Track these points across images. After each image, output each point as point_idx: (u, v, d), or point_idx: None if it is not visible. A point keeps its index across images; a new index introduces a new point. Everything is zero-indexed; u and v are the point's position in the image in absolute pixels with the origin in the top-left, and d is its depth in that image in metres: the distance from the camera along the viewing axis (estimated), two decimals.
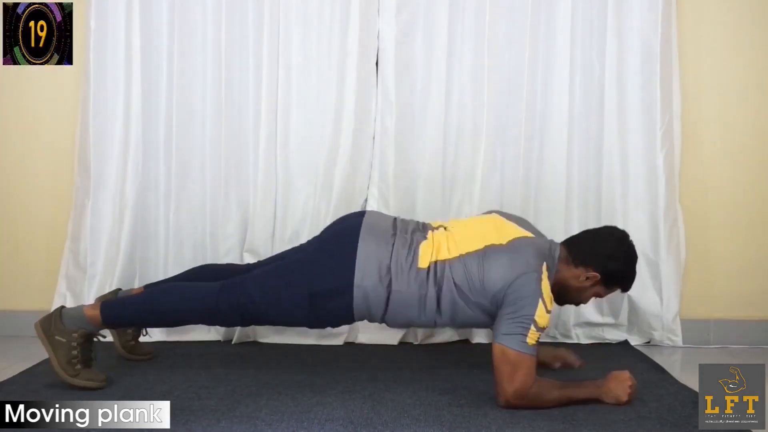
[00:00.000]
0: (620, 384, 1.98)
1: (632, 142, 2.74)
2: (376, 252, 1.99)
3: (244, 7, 2.67)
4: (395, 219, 2.17)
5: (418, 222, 2.19)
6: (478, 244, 2.02)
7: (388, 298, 1.99)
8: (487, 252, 1.99)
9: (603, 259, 2.05)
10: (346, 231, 2.09)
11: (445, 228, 2.12)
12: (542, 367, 2.28)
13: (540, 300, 1.90)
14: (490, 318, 2.00)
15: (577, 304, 2.19)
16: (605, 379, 2.02)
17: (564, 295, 2.12)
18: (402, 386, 2.11)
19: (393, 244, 2.02)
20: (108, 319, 2.08)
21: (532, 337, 1.87)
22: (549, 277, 1.97)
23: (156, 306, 2.10)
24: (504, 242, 2.02)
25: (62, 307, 2.11)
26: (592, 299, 2.19)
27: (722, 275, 2.84)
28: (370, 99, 2.70)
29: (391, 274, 1.98)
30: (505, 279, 1.93)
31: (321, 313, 2.03)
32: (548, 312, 1.92)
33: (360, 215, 2.16)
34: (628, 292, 2.70)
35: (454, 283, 1.98)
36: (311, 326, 2.12)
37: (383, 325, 2.67)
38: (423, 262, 1.99)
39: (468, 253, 2.00)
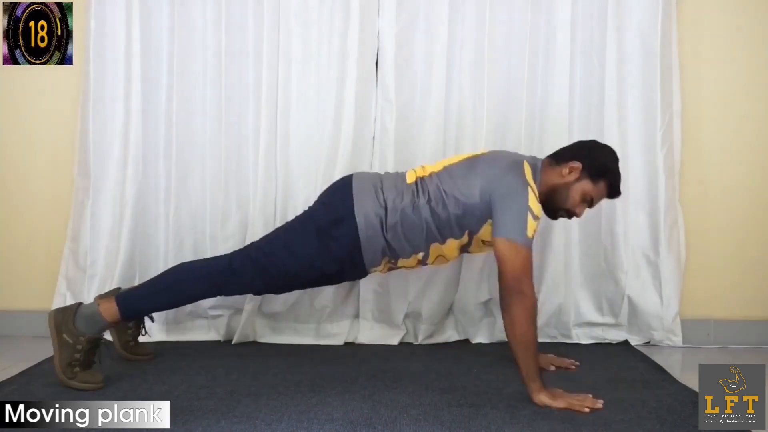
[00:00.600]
0: (571, 397, 1.93)
1: (632, 142, 2.73)
2: (370, 181, 2.16)
3: (244, 7, 2.67)
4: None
5: None
6: (458, 159, 2.20)
7: (388, 218, 2.08)
8: (469, 160, 2.16)
9: (584, 150, 2.16)
10: (338, 181, 2.26)
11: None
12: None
13: (529, 188, 2.00)
14: (481, 218, 2.08)
15: (569, 214, 2.17)
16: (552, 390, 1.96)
17: (552, 200, 2.14)
18: (402, 386, 2.11)
19: (383, 176, 2.21)
20: (126, 310, 2.12)
21: (530, 227, 1.95)
22: (533, 176, 2.06)
23: (170, 284, 2.16)
24: (485, 153, 2.23)
25: (80, 304, 2.13)
26: (586, 212, 2.20)
27: (722, 275, 2.83)
28: (370, 99, 2.70)
29: (385, 196, 2.10)
30: (488, 175, 2.06)
31: (331, 245, 2.10)
32: (539, 202, 2.03)
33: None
34: (628, 293, 2.73)
35: (442, 189, 2.09)
36: (327, 267, 2.13)
37: (383, 324, 2.71)
38: (409, 179, 2.16)
39: (450, 164, 2.17)
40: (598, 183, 2.12)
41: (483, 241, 2.17)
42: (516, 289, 1.93)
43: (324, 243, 2.09)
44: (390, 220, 2.08)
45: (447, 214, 2.09)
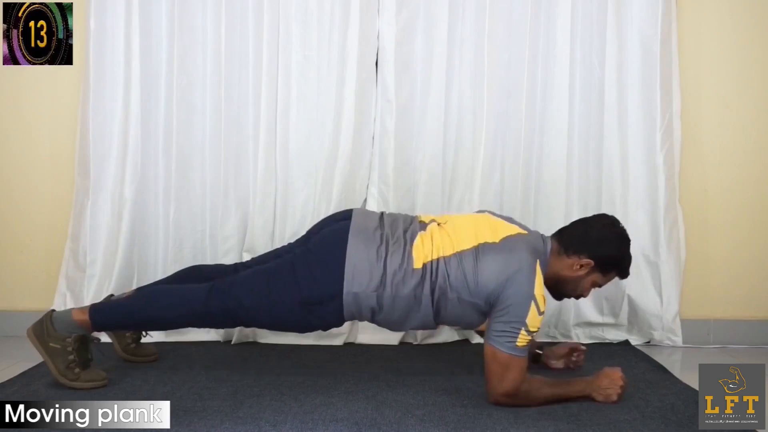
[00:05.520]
0: (611, 382, 1.98)
1: (632, 142, 2.74)
2: (366, 256, 1.97)
3: (244, 7, 2.66)
4: (382, 215, 2.14)
5: (406, 217, 2.15)
6: (472, 242, 2.00)
7: (380, 301, 1.97)
8: (481, 249, 1.98)
9: (595, 243, 2.03)
10: (333, 235, 2.05)
11: (438, 223, 2.09)
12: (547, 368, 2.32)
13: (532, 302, 1.90)
14: (483, 317, 2.00)
15: (576, 296, 2.13)
16: (596, 376, 2.01)
17: (560, 288, 2.09)
18: (404, 386, 2.11)
19: (385, 248, 1.99)
20: (97, 325, 2.07)
21: (522, 340, 1.89)
22: (541, 265, 1.97)
23: (144, 312, 2.08)
24: (497, 240, 2.01)
25: (52, 311, 2.09)
26: (593, 290, 2.16)
27: (722, 275, 2.84)
28: (370, 99, 2.69)
29: (385, 279, 1.95)
30: (498, 279, 1.92)
31: (311, 319, 2.02)
32: (541, 314, 1.91)
33: (346, 217, 2.11)
34: (628, 293, 2.74)
35: (449, 282, 1.96)
36: (301, 331, 2.12)
37: None
38: (417, 263, 1.97)
39: (463, 251, 1.98)
40: (609, 273, 2.08)
41: None
42: (498, 394, 1.93)
43: (305, 315, 2.00)
44: (383, 304, 1.97)
45: (446, 311, 2.00)
